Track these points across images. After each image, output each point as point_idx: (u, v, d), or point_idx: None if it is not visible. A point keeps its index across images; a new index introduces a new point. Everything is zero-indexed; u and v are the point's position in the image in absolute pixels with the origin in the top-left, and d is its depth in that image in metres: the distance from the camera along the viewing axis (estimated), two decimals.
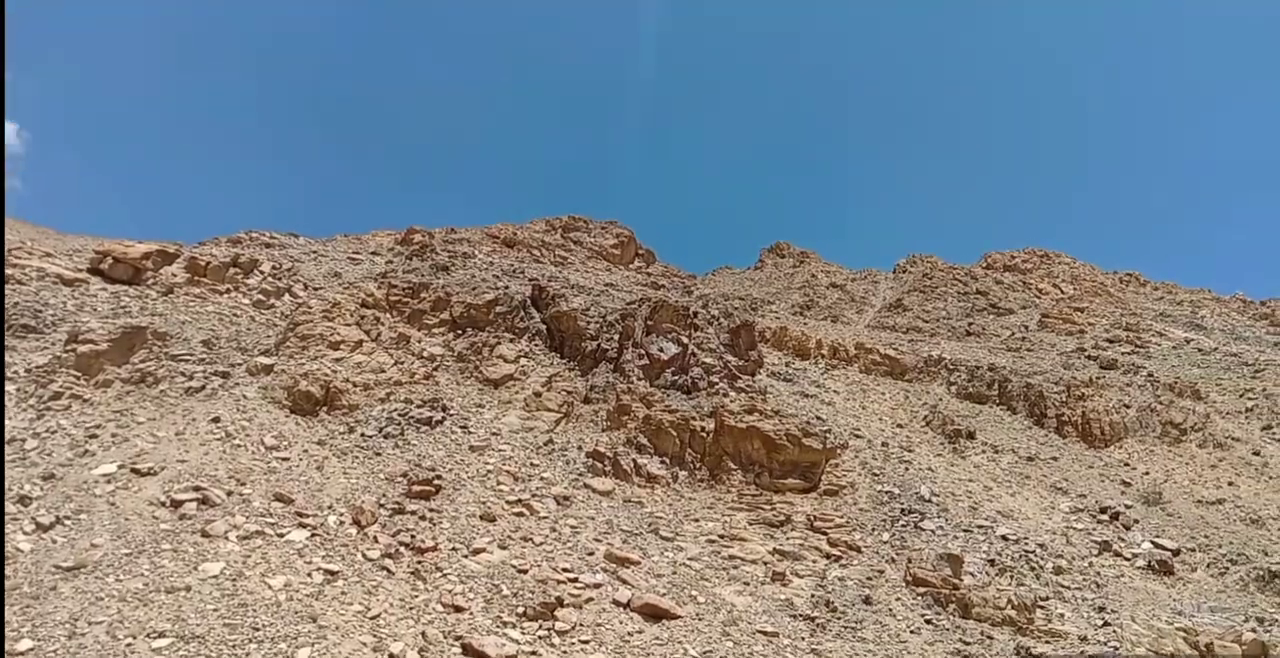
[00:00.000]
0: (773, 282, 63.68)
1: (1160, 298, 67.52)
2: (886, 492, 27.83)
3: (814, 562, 23.98)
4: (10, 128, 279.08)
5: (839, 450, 29.45)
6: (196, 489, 20.35)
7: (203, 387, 25.74)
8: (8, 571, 16.45)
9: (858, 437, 31.80)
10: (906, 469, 29.55)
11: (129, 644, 14.79)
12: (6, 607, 15.41)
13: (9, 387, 23.27)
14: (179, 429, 23.25)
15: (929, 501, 27.45)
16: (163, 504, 19.75)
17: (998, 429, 37.91)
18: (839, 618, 21.36)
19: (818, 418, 32.39)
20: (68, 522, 18.40)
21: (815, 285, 61.21)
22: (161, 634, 15.24)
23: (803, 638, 20.35)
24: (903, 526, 25.90)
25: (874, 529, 25.80)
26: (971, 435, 35.00)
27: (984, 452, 33.98)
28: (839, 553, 24.43)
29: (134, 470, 20.77)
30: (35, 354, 24.93)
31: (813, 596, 22.37)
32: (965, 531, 26.04)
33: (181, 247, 35.09)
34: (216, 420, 23.97)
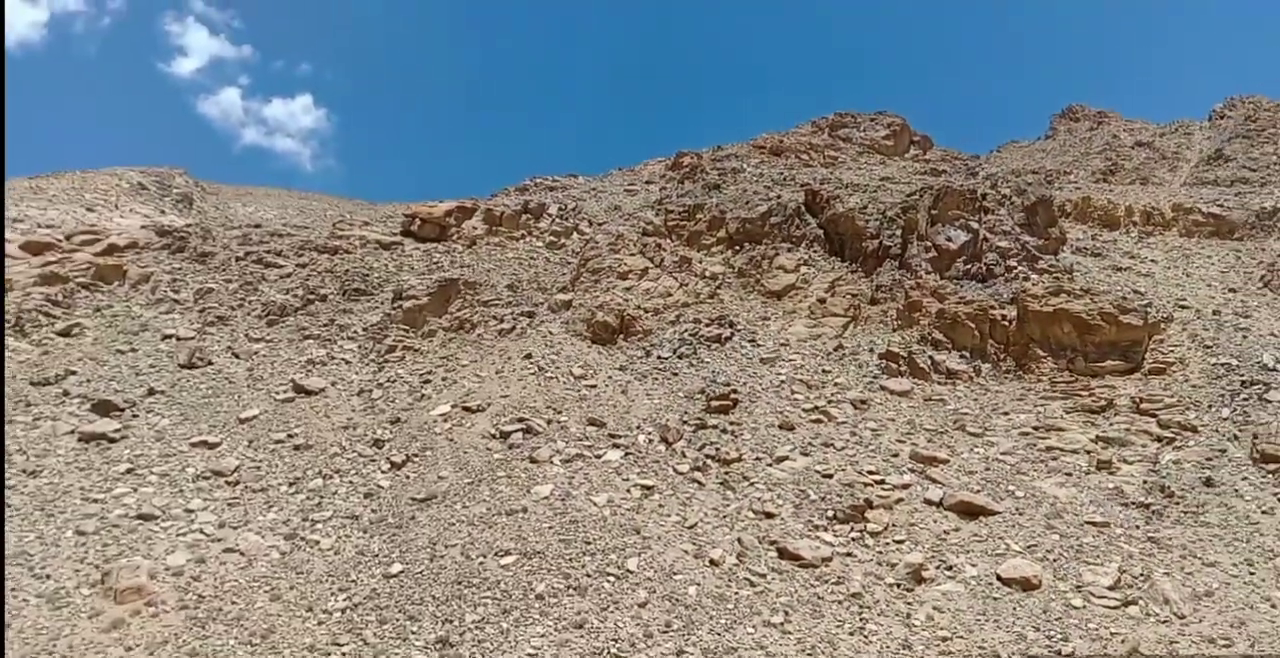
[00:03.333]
0: (1068, 150, 58.10)
1: None
2: (1223, 364, 25.20)
3: (1143, 446, 22.38)
4: (320, 113, 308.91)
5: (1163, 325, 26.95)
6: (520, 420, 22.29)
7: (513, 327, 27.86)
8: (372, 506, 19.02)
9: (1184, 307, 28.86)
10: (1244, 337, 26.51)
11: (481, 563, 16.66)
12: (375, 536, 17.83)
13: (351, 345, 26.49)
14: (498, 368, 25.42)
15: (1274, 369, 24.54)
16: (493, 437, 21.84)
17: None
18: (1177, 503, 19.93)
19: (1135, 292, 29.68)
20: (416, 459, 20.84)
21: (1118, 146, 55.14)
22: (507, 552, 17.02)
23: (1137, 526, 19.23)
24: (1244, 399, 23.42)
25: (1211, 406, 23.56)
26: None
27: None
28: (1172, 435, 22.60)
29: (465, 409, 23.06)
30: (369, 314, 28.11)
31: (1145, 482, 20.98)
32: None
33: (477, 201, 37.79)
34: (529, 357, 25.97)
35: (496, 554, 16.96)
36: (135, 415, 21.89)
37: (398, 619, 15.08)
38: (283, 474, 20.07)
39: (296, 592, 16.00)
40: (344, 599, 15.76)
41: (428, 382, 24.62)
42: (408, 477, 20.18)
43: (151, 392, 22.95)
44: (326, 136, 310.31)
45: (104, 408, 21.76)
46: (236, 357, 25.56)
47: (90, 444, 20.38)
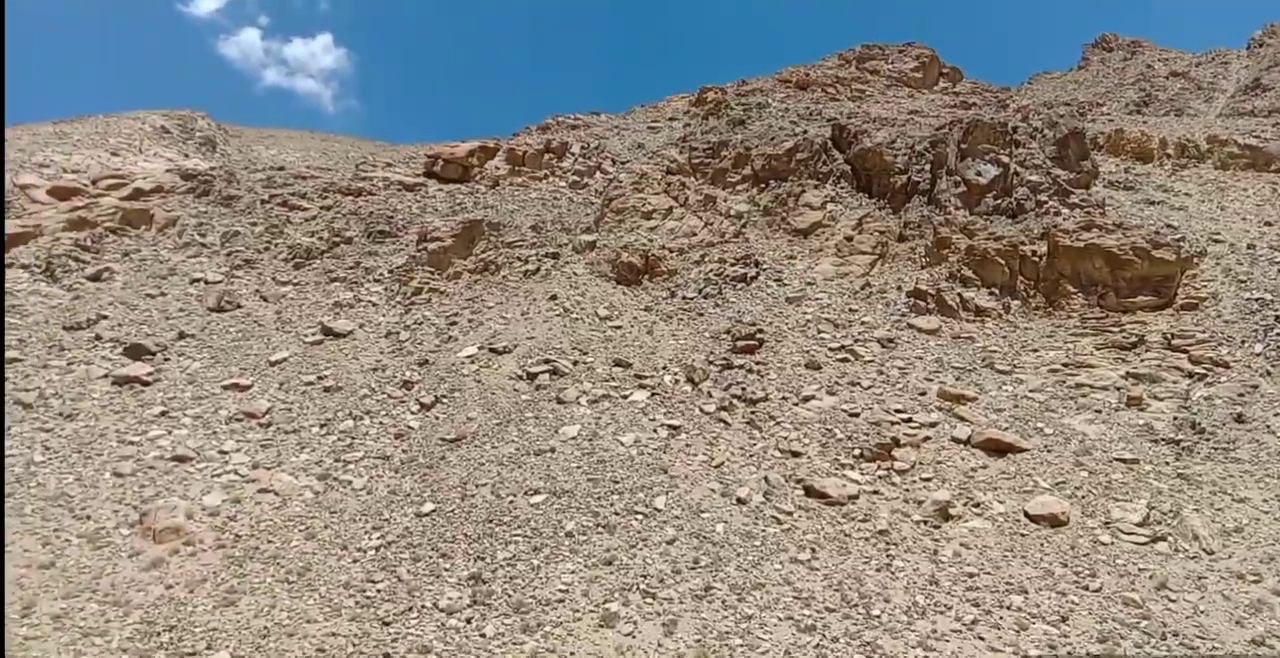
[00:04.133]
0: (1100, 81, 56.67)
1: None
2: (1257, 299, 24.78)
3: (1174, 383, 22.17)
4: (340, 52, 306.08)
5: (1196, 259, 26.49)
6: (546, 362, 22.36)
7: (537, 269, 27.81)
8: (402, 446, 19.24)
9: (1217, 241, 28.32)
10: (1279, 272, 26.09)
11: (511, 502, 16.87)
12: (406, 476, 18.07)
13: (378, 287, 26.56)
14: (523, 310, 25.44)
15: None
16: (520, 378, 21.95)
17: None
18: (1208, 440, 19.79)
19: (1168, 226, 29.13)
20: (445, 400, 20.99)
21: (1152, 77, 53.69)
22: (536, 491, 17.23)
23: (1167, 463, 19.15)
24: (1278, 334, 23.07)
25: (1244, 342, 23.24)
26: None
27: None
28: (1203, 371, 22.35)
29: (492, 350, 23.13)
30: (394, 256, 28.12)
31: (1175, 418, 20.82)
32: None
33: (499, 141, 37.48)
34: (554, 298, 25.96)
35: (526, 493, 17.17)
36: (167, 359, 22.15)
37: (431, 557, 15.34)
38: (314, 416, 20.31)
39: (331, 531, 16.30)
40: (378, 538, 16.04)
41: (454, 323, 24.68)
42: (437, 418, 20.36)
43: (182, 335, 23.18)
44: (348, 77, 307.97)
45: (136, 352, 22.02)
46: (265, 300, 25.72)
47: (124, 388, 20.67)
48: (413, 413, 20.57)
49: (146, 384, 20.91)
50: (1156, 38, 66.43)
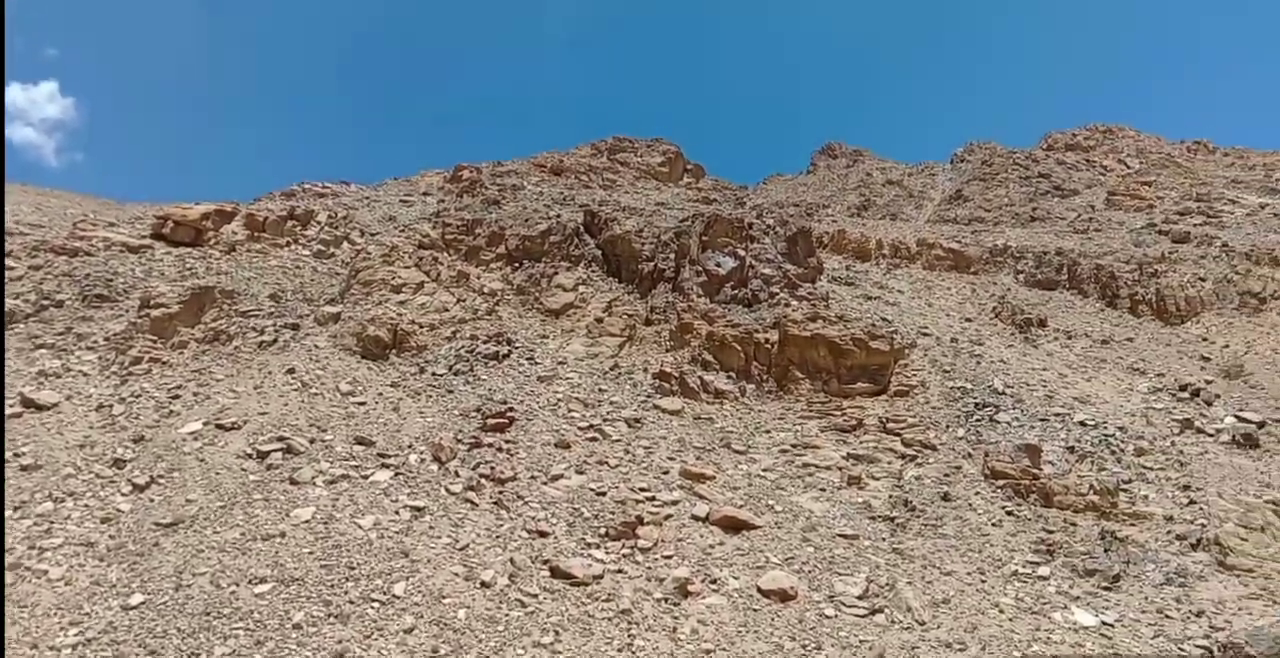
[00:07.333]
0: (826, 185, 62.49)
1: (1231, 164, 63.99)
2: (959, 388, 27.61)
3: (889, 463, 24.09)
4: (67, 102, 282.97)
5: (907, 350, 29.20)
6: (280, 439, 21.09)
7: (274, 340, 26.41)
8: (110, 531, 17.37)
9: (925, 335, 31.45)
10: (978, 363, 29.22)
11: (233, 592, 15.58)
12: (113, 564, 16.31)
13: (91, 356, 24.23)
14: (257, 383, 23.98)
15: (1003, 393, 27.18)
16: (249, 456, 20.54)
17: (1069, 314, 37.11)
18: (918, 517, 21.52)
19: (883, 319, 32.08)
20: (162, 480, 19.25)
21: (871, 184, 59.87)
22: (263, 580, 16.01)
23: (883, 538, 20.59)
24: (977, 420, 25.75)
25: (948, 426, 25.72)
26: (1043, 323, 34.35)
27: (1057, 339, 33.39)
28: (914, 453, 24.49)
29: (219, 426, 21.56)
30: (111, 322, 25.79)
31: (890, 496, 22.54)
32: (1042, 420, 25.79)
33: (238, 205, 35.56)
34: (291, 371, 24.67)
35: (250, 582, 15.93)
36: None
37: (137, 654, 13.83)
38: (6, 497, 18.01)
39: (19, 627, 14.37)
40: (75, 635, 14.29)
41: (177, 397, 22.86)
42: (152, 500, 18.59)
43: None
44: (75, 128, 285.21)
45: None
46: None
47: None
48: (124, 494, 18.68)
49: None
50: (875, 146, 74.28)
